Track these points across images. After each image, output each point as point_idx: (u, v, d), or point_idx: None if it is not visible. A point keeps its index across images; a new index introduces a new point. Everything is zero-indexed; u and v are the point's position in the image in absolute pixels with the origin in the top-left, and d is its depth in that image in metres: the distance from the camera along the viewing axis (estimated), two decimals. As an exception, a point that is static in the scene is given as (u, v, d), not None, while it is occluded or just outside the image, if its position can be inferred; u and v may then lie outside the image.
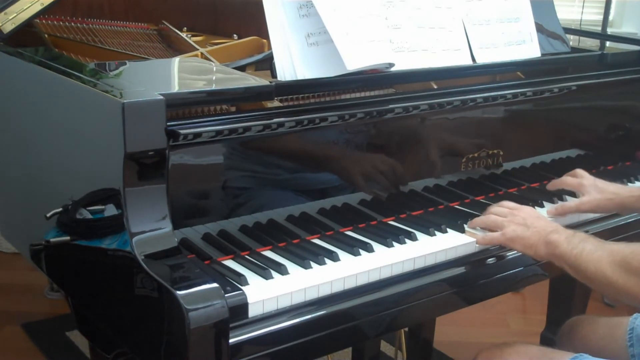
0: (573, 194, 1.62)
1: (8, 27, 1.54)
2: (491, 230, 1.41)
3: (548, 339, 2.05)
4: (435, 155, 1.53)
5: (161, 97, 1.10)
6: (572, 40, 1.99)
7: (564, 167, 1.75)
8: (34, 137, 1.43)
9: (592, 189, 1.55)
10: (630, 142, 1.91)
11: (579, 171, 1.60)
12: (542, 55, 1.70)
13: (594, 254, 1.26)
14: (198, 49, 1.66)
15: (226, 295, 1.09)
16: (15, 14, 1.54)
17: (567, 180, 1.60)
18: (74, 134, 1.27)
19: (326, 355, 1.97)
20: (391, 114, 1.41)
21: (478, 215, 1.48)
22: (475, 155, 1.58)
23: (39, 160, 1.43)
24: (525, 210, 1.41)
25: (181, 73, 1.42)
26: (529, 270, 1.48)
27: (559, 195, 1.63)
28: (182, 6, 1.98)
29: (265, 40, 1.73)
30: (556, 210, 1.53)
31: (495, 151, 1.61)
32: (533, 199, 1.59)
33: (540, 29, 1.71)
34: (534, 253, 1.35)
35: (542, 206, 1.58)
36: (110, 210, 1.15)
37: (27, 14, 1.55)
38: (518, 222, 1.38)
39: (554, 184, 1.62)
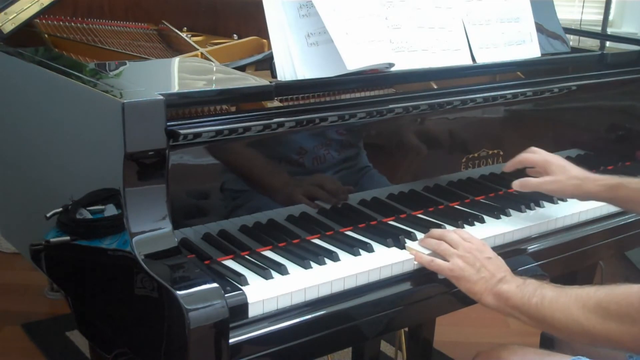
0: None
1: (8, 27, 1.54)
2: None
3: (548, 340, 2.04)
4: (435, 155, 1.53)
5: (161, 97, 1.10)
6: (572, 40, 1.99)
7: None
8: (34, 137, 1.43)
9: (557, 169, 1.47)
10: (630, 142, 1.91)
11: (535, 149, 1.52)
12: (542, 55, 1.70)
13: (558, 302, 1.19)
14: (198, 49, 1.66)
15: (226, 295, 1.09)
16: (15, 14, 1.54)
17: (528, 157, 1.51)
18: (74, 133, 1.27)
19: (326, 355, 1.97)
20: (391, 114, 1.41)
21: (478, 216, 1.48)
22: (475, 155, 1.58)
23: (39, 160, 1.43)
24: (476, 245, 1.31)
25: (181, 73, 1.42)
26: (528, 271, 1.47)
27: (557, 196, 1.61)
28: (182, 6, 1.98)
29: (265, 40, 1.73)
30: (520, 184, 1.47)
31: (495, 151, 1.61)
32: (532, 199, 1.59)
33: (540, 29, 1.71)
34: (480, 301, 1.28)
35: (542, 206, 1.58)
36: (110, 210, 1.15)
37: (27, 14, 1.55)
38: (468, 261, 1.28)
39: (512, 164, 1.52)
